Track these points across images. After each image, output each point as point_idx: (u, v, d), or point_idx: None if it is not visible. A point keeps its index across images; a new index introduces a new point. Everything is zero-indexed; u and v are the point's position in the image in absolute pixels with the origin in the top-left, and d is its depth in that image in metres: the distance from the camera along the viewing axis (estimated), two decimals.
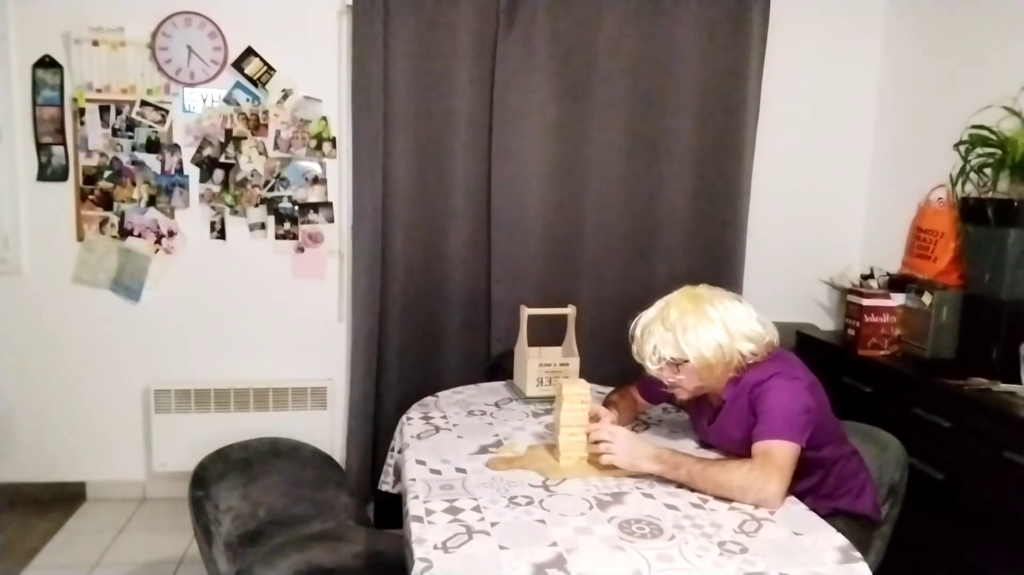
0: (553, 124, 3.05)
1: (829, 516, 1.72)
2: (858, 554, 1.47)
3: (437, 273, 3.09)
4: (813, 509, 1.68)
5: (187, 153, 3.04)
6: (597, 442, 1.79)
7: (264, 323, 3.17)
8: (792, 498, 1.70)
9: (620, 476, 1.79)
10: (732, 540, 1.50)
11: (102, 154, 3.00)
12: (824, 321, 3.35)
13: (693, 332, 1.78)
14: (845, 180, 3.35)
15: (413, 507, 1.60)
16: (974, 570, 2.17)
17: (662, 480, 1.76)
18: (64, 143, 2.98)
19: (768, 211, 3.27)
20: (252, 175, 3.07)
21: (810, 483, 1.87)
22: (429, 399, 2.38)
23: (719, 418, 1.90)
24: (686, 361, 1.80)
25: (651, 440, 2.04)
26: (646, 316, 1.88)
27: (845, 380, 2.73)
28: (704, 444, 2.00)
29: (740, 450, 1.78)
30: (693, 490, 1.70)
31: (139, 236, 3.06)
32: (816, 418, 1.77)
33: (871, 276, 2.97)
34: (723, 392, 1.87)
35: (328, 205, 3.12)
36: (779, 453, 1.67)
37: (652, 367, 1.85)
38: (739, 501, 1.65)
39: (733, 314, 1.83)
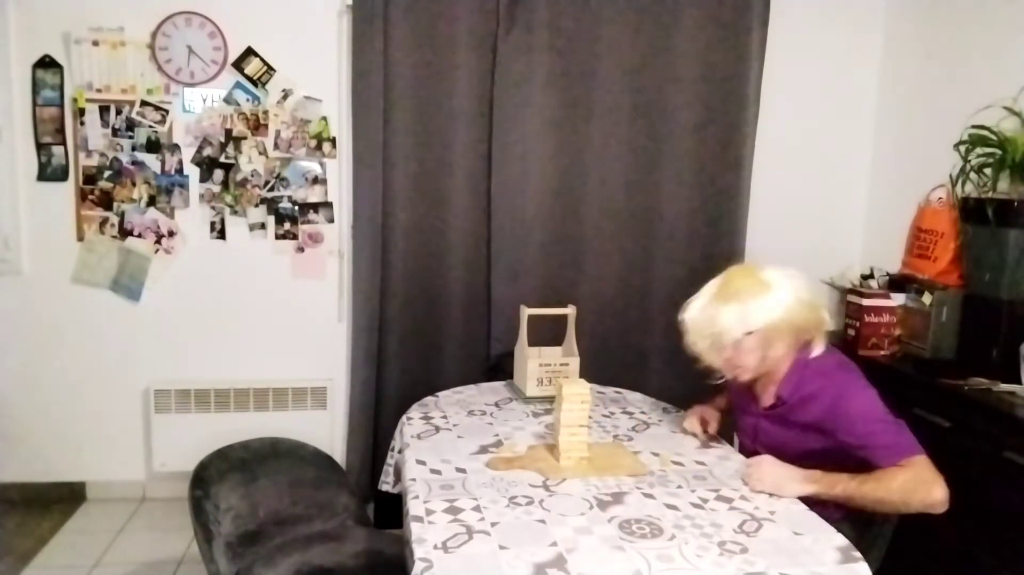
0: (553, 124, 3.05)
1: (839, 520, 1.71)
2: (858, 554, 1.47)
3: (437, 273, 3.09)
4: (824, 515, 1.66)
5: (187, 153, 3.04)
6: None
7: (264, 323, 3.17)
8: (792, 498, 1.70)
9: (620, 476, 1.79)
10: (732, 540, 1.50)
11: (102, 154, 3.00)
12: None
13: (755, 300, 1.76)
14: (845, 180, 3.35)
15: (413, 507, 1.60)
16: (974, 570, 2.17)
17: (662, 480, 1.76)
18: (64, 143, 2.98)
19: (768, 211, 3.27)
20: (252, 175, 3.07)
21: None
22: (429, 399, 2.38)
23: (776, 412, 1.87)
24: (750, 333, 1.76)
25: (653, 439, 2.04)
26: (699, 302, 1.85)
27: None
28: (745, 438, 1.96)
29: (789, 453, 1.77)
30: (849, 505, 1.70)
31: (139, 236, 3.06)
32: None
33: (871, 276, 2.97)
34: (781, 385, 1.84)
35: (328, 205, 3.12)
36: (923, 464, 1.67)
37: (714, 354, 1.82)
38: (902, 511, 1.68)
39: (785, 276, 1.81)
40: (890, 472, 1.67)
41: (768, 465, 1.76)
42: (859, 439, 1.72)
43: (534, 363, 2.37)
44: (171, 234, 3.08)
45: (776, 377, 1.86)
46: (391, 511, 2.35)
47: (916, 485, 1.64)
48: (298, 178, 3.10)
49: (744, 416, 2.02)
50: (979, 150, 2.57)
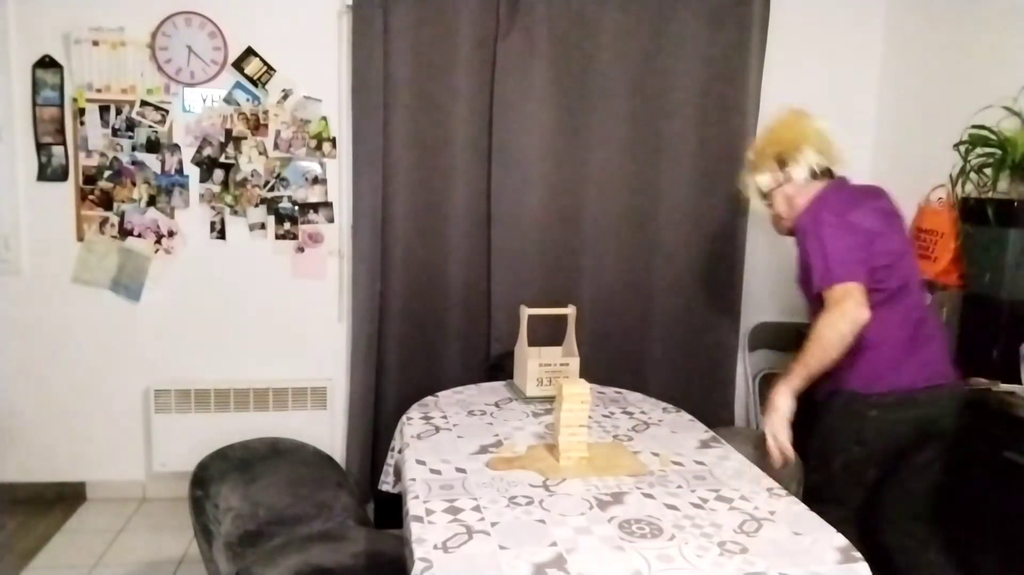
0: (553, 124, 3.05)
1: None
2: (858, 554, 1.47)
3: (437, 273, 3.09)
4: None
5: (187, 153, 3.04)
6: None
7: (264, 323, 3.17)
8: (792, 498, 1.70)
9: (620, 476, 1.79)
10: (732, 540, 1.50)
11: (102, 154, 3.00)
12: None
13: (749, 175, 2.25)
14: None
15: (413, 507, 1.60)
16: (974, 570, 2.17)
17: (662, 480, 1.77)
18: (64, 143, 2.98)
19: (768, 211, 3.26)
20: (252, 175, 3.07)
21: None
22: (429, 399, 2.38)
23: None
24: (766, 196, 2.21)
25: (653, 439, 2.05)
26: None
27: None
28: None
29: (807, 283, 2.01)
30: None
31: (139, 236, 3.06)
32: (866, 253, 1.93)
33: None
34: (796, 224, 2.09)
35: (328, 205, 3.12)
36: (833, 294, 1.88)
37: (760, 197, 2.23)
38: (845, 338, 1.85)
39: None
40: (815, 326, 1.90)
41: (773, 420, 1.94)
42: (805, 256, 1.99)
43: (534, 363, 2.37)
44: (171, 234, 3.08)
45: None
46: (391, 511, 2.35)
47: (831, 317, 1.86)
48: (298, 178, 3.10)
49: None
50: (979, 150, 2.57)
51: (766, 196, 2.21)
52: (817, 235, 1.94)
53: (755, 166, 2.21)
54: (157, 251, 3.08)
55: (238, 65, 3.01)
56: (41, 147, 2.98)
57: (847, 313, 1.83)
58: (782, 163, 2.14)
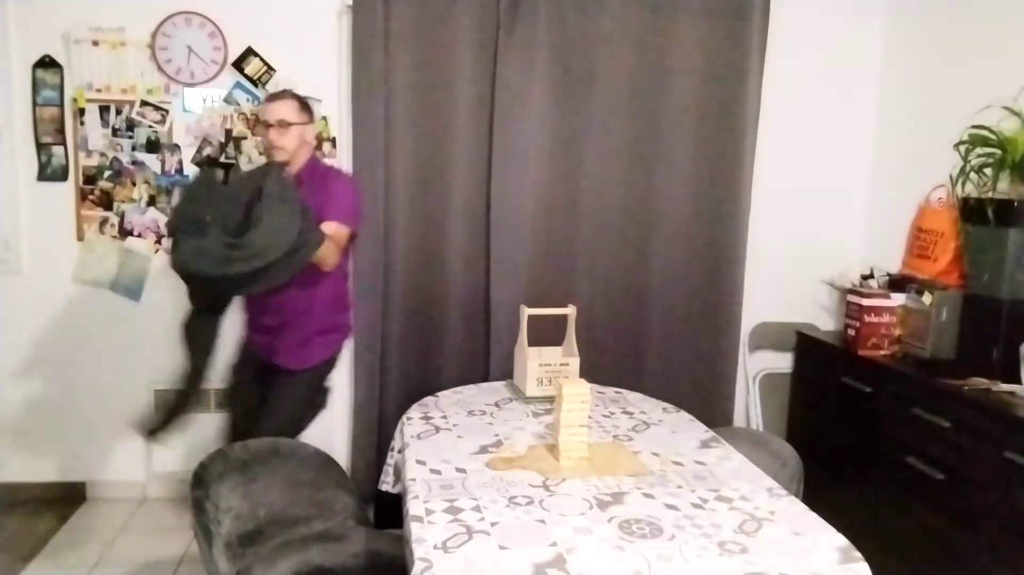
0: (553, 124, 3.05)
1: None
2: (858, 554, 1.47)
3: (438, 272, 3.09)
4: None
5: (187, 153, 3.04)
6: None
7: None
8: (792, 498, 1.70)
9: (620, 476, 1.79)
10: (732, 540, 1.50)
11: (102, 154, 3.00)
12: (824, 321, 3.35)
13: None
14: (845, 180, 3.35)
15: (413, 507, 1.60)
16: (974, 570, 2.17)
17: (662, 480, 1.76)
18: (64, 143, 2.98)
19: (768, 211, 3.27)
20: None
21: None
22: (429, 399, 2.38)
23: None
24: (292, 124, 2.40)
25: (653, 439, 2.05)
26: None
27: (845, 380, 2.74)
28: None
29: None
30: None
31: (139, 236, 3.06)
32: None
33: (871, 276, 2.97)
34: (302, 171, 2.46)
35: None
36: (341, 232, 2.38)
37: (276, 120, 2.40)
38: (328, 264, 2.35)
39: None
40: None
41: None
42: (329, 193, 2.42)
43: (534, 363, 2.37)
44: None
45: (299, 162, 2.47)
46: (391, 511, 2.34)
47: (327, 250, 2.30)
48: None
49: None
50: (979, 150, 2.57)
51: (282, 124, 2.38)
52: (349, 185, 2.55)
53: (294, 100, 2.45)
54: (157, 251, 3.08)
55: (238, 65, 3.01)
56: (41, 147, 2.98)
57: (338, 252, 2.38)
58: (310, 111, 2.50)
